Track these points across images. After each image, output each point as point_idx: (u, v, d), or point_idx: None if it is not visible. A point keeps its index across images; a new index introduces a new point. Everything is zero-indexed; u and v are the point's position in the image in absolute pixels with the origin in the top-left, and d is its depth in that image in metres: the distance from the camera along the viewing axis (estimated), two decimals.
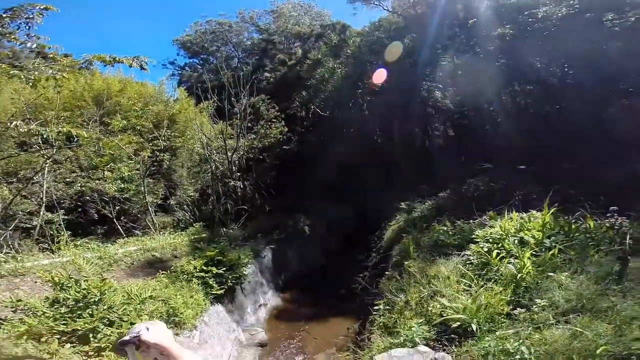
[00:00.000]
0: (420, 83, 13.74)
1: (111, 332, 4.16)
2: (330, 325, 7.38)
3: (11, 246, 8.34)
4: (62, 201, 10.54)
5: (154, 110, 12.97)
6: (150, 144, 11.93)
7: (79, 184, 10.79)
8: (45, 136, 8.08)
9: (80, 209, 11.63)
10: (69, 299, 4.17)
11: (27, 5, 5.64)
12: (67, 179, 10.87)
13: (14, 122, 7.64)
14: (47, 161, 9.33)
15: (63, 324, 3.97)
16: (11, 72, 6.21)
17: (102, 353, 3.95)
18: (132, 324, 4.46)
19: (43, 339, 3.83)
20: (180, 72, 30.36)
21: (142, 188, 11.12)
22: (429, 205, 8.93)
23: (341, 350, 5.95)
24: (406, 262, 5.64)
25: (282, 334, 7.29)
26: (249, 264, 8.36)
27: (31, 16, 5.71)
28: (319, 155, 16.58)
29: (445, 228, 6.28)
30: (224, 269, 6.96)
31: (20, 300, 4.16)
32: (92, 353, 3.93)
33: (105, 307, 4.30)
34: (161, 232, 10.15)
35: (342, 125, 17.18)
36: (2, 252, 6.06)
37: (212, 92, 14.92)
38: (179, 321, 5.18)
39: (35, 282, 5.25)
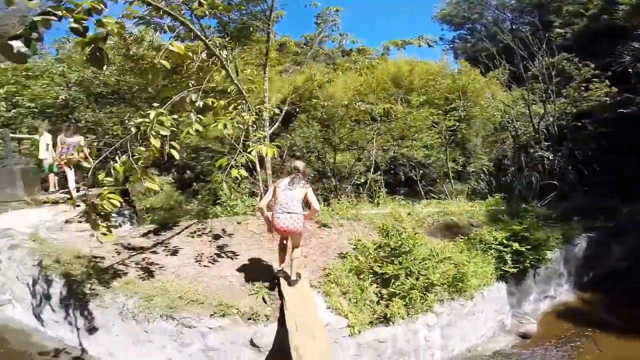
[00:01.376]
0: None
1: (407, 282, 4.56)
2: (635, 344, 5.22)
3: (350, 197, 11.23)
4: (380, 164, 12.89)
5: (444, 84, 13.09)
6: (447, 115, 12.08)
7: (392, 151, 12.71)
8: (376, 112, 10.12)
9: (392, 171, 13.81)
10: (389, 245, 4.92)
11: (325, 10, 7.01)
12: (384, 147, 13.08)
13: (358, 103, 9.99)
14: (374, 133, 11.58)
15: (378, 267, 4.68)
16: (346, 64, 8.15)
17: (392, 299, 4.42)
18: (427, 279, 4.79)
19: (362, 276, 4.72)
20: (451, 45, 29.37)
21: (442, 155, 11.56)
22: None
23: None
24: None
25: (558, 333, 5.75)
26: (555, 248, 6.85)
27: (333, 19, 7.09)
28: None
29: None
30: (527, 247, 6.02)
31: (359, 241, 5.33)
32: (386, 296, 4.49)
33: (411, 258, 4.80)
34: (455, 198, 10.24)
35: None
36: (347, 201, 8.08)
37: (499, 58, 13.01)
38: (461, 287, 5.05)
39: (365, 227, 6.70)
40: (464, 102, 12.47)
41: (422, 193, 11.37)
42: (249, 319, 3.82)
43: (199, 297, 4.00)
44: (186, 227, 6.21)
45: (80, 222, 6.12)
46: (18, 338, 4.30)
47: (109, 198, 3.35)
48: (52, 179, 7.29)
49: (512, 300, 6.24)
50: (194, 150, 14.08)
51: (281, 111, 7.98)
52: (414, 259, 4.81)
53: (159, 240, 5.69)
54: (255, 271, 4.84)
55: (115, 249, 5.24)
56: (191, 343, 3.72)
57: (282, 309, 3.89)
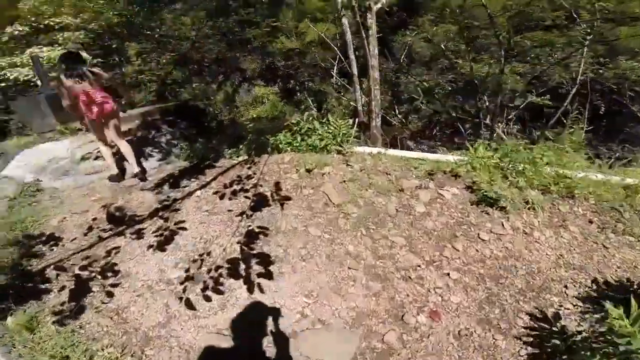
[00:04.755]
0: None
1: None
2: None
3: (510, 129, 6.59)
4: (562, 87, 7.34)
5: None
6: None
7: (590, 70, 6.91)
8: None
9: (578, 98, 7.99)
10: None
11: None
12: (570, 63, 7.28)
13: None
14: (584, 40, 6.06)
15: None
16: None
17: None
18: None
19: None
20: None
21: None
22: None
23: None
24: None
25: None
26: None
27: None
28: None
29: None
30: None
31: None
32: None
33: None
34: None
35: None
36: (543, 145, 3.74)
37: None
38: None
39: (591, 219, 2.69)
40: None
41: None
42: None
43: None
44: (225, 171, 3.44)
45: (97, 158, 4.13)
46: None
47: None
48: None
49: None
50: (288, 57, 11.10)
51: None
52: None
53: (169, 198, 3.11)
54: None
55: (94, 219, 2.89)
56: None
57: None
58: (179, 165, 3.90)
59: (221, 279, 2.19)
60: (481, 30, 6.59)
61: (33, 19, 8.56)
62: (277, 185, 3.01)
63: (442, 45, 7.13)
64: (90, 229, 2.78)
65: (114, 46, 8.09)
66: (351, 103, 6.86)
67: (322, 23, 8.93)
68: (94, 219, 2.89)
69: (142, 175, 3.53)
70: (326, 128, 3.75)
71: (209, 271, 2.26)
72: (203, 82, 12.41)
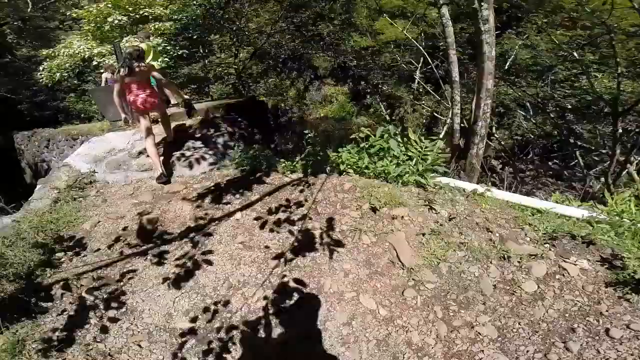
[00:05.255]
0: None
1: None
2: None
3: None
4: None
5: None
6: None
7: None
8: None
9: None
10: None
11: None
12: None
13: None
14: None
15: None
16: None
17: None
18: None
19: None
20: None
21: None
22: None
23: None
24: None
25: None
26: None
27: None
28: None
29: None
30: None
31: None
32: None
33: None
34: None
35: None
36: None
37: None
38: None
39: None
40: None
41: None
42: None
43: None
44: (274, 190, 2.90)
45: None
46: None
47: None
48: None
49: None
50: (360, 57, 10.36)
51: None
52: None
53: (206, 215, 2.67)
54: None
55: (125, 228, 2.59)
56: None
57: None
58: (229, 174, 3.49)
59: (230, 346, 1.62)
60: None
61: (131, 9, 9.20)
62: (330, 222, 2.35)
63: (574, 54, 5.64)
64: (117, 240, 2.47)
65: (194, 37, 8.24)
66: (434, 114, 5.84)
67: (401, 20, 8.02)
68: (125, 229, 2.59)
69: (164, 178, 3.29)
70: (404, 149, 2.95)
71: (219, 330, 1.72)
72: (277, 77, 12.42)
